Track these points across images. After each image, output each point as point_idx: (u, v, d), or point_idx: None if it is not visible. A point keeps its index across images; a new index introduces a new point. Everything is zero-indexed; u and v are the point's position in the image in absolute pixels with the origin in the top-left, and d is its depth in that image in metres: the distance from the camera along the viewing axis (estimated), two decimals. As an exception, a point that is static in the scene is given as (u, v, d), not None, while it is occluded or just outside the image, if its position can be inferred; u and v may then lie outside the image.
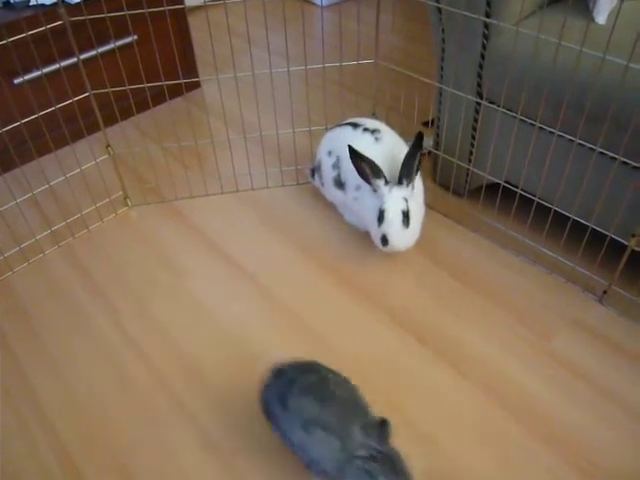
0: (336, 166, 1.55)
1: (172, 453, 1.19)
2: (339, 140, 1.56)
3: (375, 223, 1.43)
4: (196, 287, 1.52)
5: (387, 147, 1.49)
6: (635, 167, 1.24)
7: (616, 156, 1.25)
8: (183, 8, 2.12)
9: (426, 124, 1.97)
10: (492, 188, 1.58)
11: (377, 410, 1.16)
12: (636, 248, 1.32)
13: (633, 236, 1.31)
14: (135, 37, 1.89)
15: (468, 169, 1.63)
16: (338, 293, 1.49)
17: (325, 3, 2.86)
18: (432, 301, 1.46)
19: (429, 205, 1.63)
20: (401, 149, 1.51)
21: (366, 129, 1.52)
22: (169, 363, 1.35)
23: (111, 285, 1.54)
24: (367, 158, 1.39)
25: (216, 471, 1.15)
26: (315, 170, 1.67)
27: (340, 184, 1.55)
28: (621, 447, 1.16)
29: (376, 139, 1.50)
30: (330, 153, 1.58)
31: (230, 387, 1.29)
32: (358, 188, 1.48)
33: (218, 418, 1.24)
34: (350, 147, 1.39)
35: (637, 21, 1.12)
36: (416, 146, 1.39)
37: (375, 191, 1.41)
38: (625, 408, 1.22)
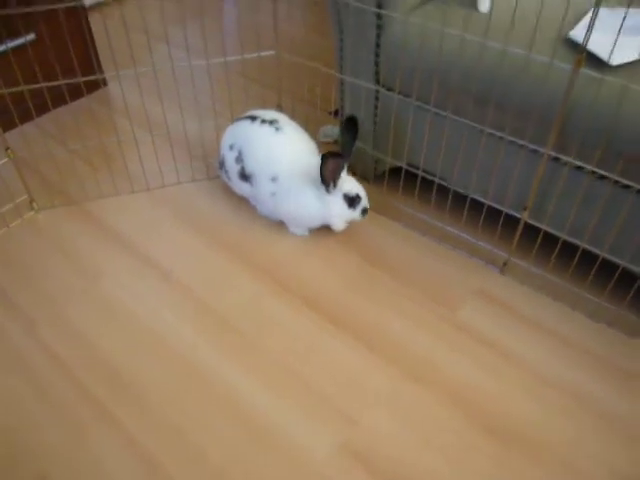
0: (239, 159, 1.57)
1: (96, 460, 1.18)
2: (239, 134, 1.59)
3: (346, 211, 1.52)
4: (112, 290, 1.50)
5: (289, 135, 1.54)
6: (522, 145, 1.33)
7: (503, 135, 1.33)
8: (82, 6, 2.07)
9: (331, 114, 2.02)
10: (398, 172, 1.64)
11: (294, 390, 1.19)
12: (528, 220, 1.41)
13: (525, 209, 1.40)
14: (32, 36, 1.84)
15: (374, 155, 1.69)
16: (256, 284, 1.51)
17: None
18: (343, 283, 1.51)
19: (338, 192, 1.67)
20: (302, 138, 1.57)
21: (264, 121, 1.56)
22: (89, 370, 1.33)
23: (22, 294, 1.50)
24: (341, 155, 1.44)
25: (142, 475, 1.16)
26: (221, 165, 1.69)
27: (245, 177, 1.58)
28: (527, 406, 1.25)
29: (277, 129, 1.54)
30: (232, 147, 1.59)
31: (150, 387, 1.30)
32: (275, 180, 1.51)
33: (143, 422, 1.24)
34: (324, 155, 1.40)
35: (519, 7, 1.20)
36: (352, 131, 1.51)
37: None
38: (526, 370, 1.31)
